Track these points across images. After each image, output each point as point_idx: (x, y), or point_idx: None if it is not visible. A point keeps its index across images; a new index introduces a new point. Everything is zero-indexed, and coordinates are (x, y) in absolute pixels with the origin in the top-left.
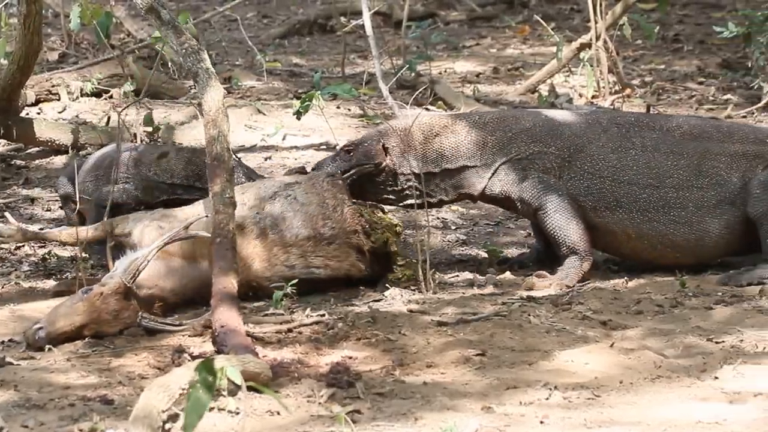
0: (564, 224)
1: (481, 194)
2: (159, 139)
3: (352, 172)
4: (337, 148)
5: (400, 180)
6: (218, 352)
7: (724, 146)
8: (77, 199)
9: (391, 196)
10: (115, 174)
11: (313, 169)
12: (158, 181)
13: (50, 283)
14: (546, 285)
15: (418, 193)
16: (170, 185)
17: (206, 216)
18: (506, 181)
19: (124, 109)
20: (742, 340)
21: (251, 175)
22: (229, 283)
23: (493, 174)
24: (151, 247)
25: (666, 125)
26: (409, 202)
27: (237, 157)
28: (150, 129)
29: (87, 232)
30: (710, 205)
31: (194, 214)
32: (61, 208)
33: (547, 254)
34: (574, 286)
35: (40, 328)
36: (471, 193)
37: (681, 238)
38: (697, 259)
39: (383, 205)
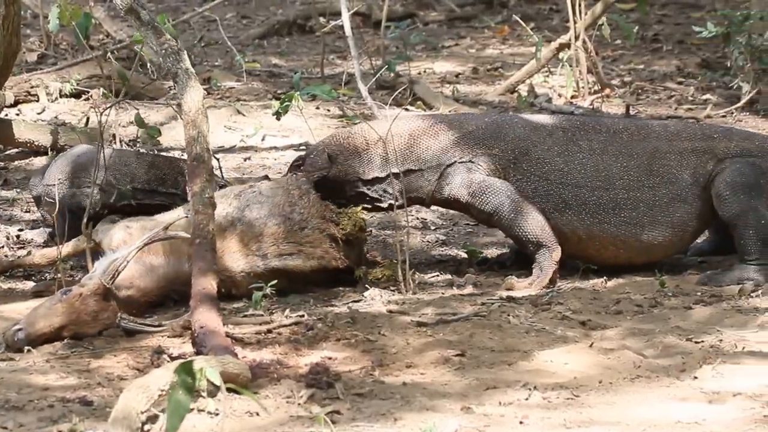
0: (521, 222)
1: (431, 198)
2: (139, 142)
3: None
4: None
5: (347, 187)
6: (198, 353)
7: (672, 144)
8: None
9: (342, 202)
10: (95, 176)
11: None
12: (120, 186)
13: (29, 285)
14: (525, 285)
15: (370, 197)
16: (132, 190)
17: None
18: (453, 185)
19: (106, 109)
20: (721, 340)
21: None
22: (208, 283)
23: (439, 177)
24: (131, 248)
25: (613, 127)
26: (364, 205)
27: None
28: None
29: (64, 248)
30: (662, 204)
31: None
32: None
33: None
34: (554, 282)
35: (19, 330)
36: (420, 197)
37: (633, 238)
38: (650, 257)
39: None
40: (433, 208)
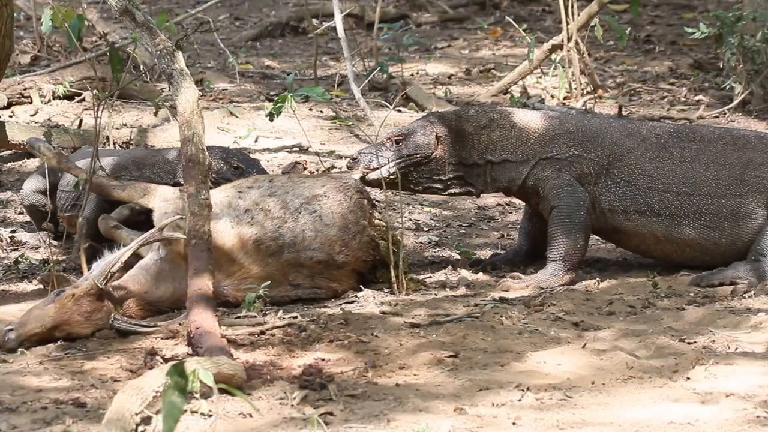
0: (568, 231)
1: (517, 188)
2: (132, 144)
3: (399, 161)
4: (382, 137)
5: (448, 170)
6: (193, 353)
7: (766, 156)
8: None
9: (436, 185)
10: (90, 174)
11: (353, 159)
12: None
13: (23, 286)
14: (522, 287)
15: (465, 182)
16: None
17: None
18: (540, 177)
19: (102, 101)
20: (713, 341)
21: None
22: (204, 284)
23: (530, 170)
24: (125, 250)
25: (707, 136)
26: (453, 190)
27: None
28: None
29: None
30: (746, 212)
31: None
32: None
33: (526, 256)
34: (546, 288)
35: (11, 330)
36: (509, 186)
37: (711, 243)
38: (727, 261)
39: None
40: (426, 209)
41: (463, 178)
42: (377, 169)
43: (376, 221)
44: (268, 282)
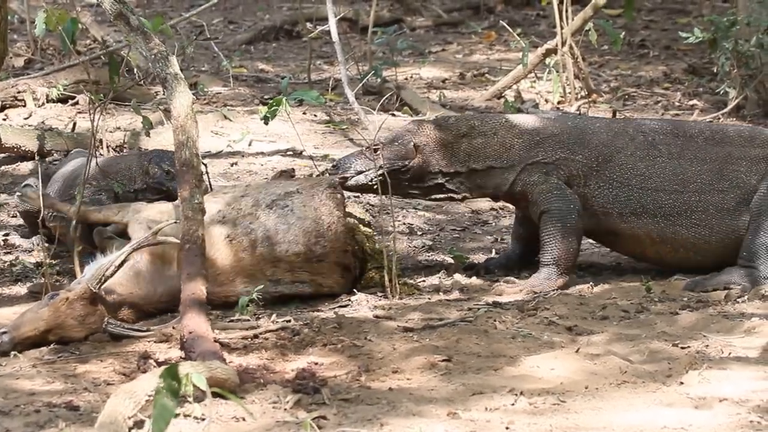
0: (560, 235)
1: (503, 194)
2: (126, 147)
3: (379, 171)
4: (366, 148)
5: (427, 177)
6: (186, 357)
7: (745, 150)
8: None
9: (415, 191)
10: (84, 178)
11: (334, 167)
12: (124, 191)
13: (17, 289)
14: (516, 291)
15: (447, 189)
16: (133, 192)
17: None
18: (528, 182)
19: (98, 106)
20: (707, 346)
21: None
22: (197, 289)
23: (517, 175)
24: (119, 253)
25: (689, 131)
26: (436, 196)
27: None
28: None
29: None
30: (729, 208)
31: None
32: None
33: (518, 260)
34: (540, 292)
35: (4, 333)
36: (495, 192)
37: (702, 241)
38: (718, 260)
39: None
40: (420, 213)
41: (443, 186)
42: (355, 176)
43: (354, 215)
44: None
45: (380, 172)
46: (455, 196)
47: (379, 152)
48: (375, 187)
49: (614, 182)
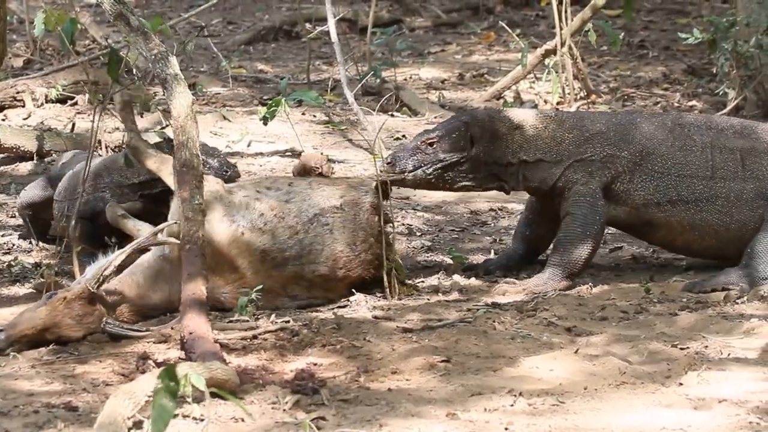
0: (577, 240)
1: (549, 189)
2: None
3: (438, 165)
4: (416, 136)
5: (482, 169)
6: (187, 358)
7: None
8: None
9: (471, 183)
10: (84, 177)
11: (389, 163)
12: (128, 183)
13: (15, 290)
14: (518, 291)
15: (499, 180)
16: (139, 184)
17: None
18: (568, 179)
19: (99, 110)
20: (706, 347)
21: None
22: (198, 289)
23: (564, 171)
24: (118, 253)
25: (721, 125)
26: (488, 186)
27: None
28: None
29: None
30: (749, 198)
31: None
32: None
33: (520, 260)
34: (541, 292)
35: (0, 331)
36: (539, 186)
37: (723, 228)
38: (737, 251)
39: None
40: (419, 214)
41: (497, 176)
42: (414, 171)
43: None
44: (260, 287)
45: (439, 165)
46: (506, 186)
47: (436, 145)
48: (434, 181)
49: (655, 173)
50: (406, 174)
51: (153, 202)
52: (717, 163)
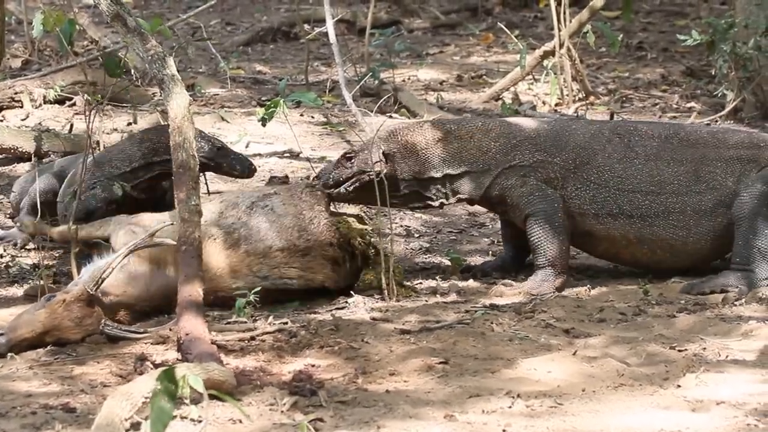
0: (550, 236)
1: (481, 198)
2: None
3: (352, 180)
4: (338, 155)
5: (402, 185)
6: (183, 359)
7: (719, 152)
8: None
9: (394, 201)
10: (83, 178)
11: (316, 177)
12: (120, 173)
13: (13, 291)
14: (514, 293)
15: (424, 196)
16: (131, 171)
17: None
18: (506, 186)
19: (93, 108)
20: (704, 349)
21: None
22: (194, 290)
23: (494, 179)
24: (116, 255)
25: (664, 133)
26: (414, 205)
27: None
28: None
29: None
30: (707, 210)
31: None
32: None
33: (513, 263)
34: (538, 294)
35: (1, 335)
36: (471, 197)
37: (680, 243)
38: (694, 262)
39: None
40: (417, 215)
41: (420, 193)
42: (336, 187)
43: (344, 213)
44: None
45: (357, 182)
46: (432, 203)
47: (353, 161)
48: (356, 198)
49: (591, 183)
50: (331, 190)
51: (147, 190)
52: (666, 178)
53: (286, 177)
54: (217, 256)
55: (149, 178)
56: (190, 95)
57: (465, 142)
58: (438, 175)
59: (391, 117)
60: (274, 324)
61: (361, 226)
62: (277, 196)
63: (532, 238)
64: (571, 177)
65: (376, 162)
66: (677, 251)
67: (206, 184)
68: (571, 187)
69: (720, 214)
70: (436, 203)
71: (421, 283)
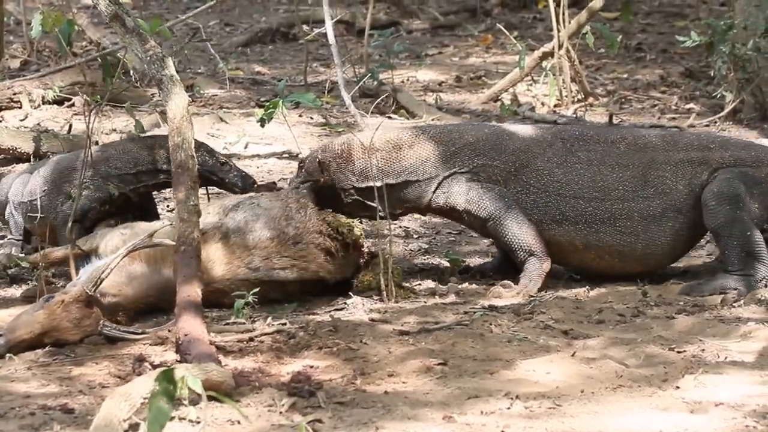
0: (516, 229)
1: (427, 207)
2: None
3: (302, 186)
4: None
5: (343, 194)
6: (182, 360)
7: (668, 155)
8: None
9: (344, 209)
10: (81, 178)
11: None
12: (120, 174)
13: (11, 292)
14: (513, 294)
15: (366, 206)
16: (135, 174)
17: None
18: (451, 194)
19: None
20: (703, 350)
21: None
22: (193, 291)
23: (437, 187)
24: (115, 256)
25: (610, 137)
26: (362, 214)
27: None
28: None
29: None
30: (656, 214)
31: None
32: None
33: (509, 263)
34: (539, 292)
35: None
36: (417, 206)
37: (628, 248)
38: (645, 267)
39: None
40: (416, 216)
41: (362, 202)
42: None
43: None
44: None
45: (303, 189)
46: (376, 213)
47: (300, 172)
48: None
49: (532, 188)
50: None
51: (143, 195)
52: (610, 184)
53: (273, 183)
54: (207, 249)
55: (152, 185)
56: (189, 96)
57: (404, 151)
58: (378, 184)
59: (390, 118)
60: (272, 325)
61: (348, 220)
62: (262, 196)
63: (501, 240)
64: (512, 180)
65: (312, 171)
66: (626, 257)
67: (207, 194)
68: (512, 191)
69: (671, 219)
70: (381, 213)
71: (419, 284)
